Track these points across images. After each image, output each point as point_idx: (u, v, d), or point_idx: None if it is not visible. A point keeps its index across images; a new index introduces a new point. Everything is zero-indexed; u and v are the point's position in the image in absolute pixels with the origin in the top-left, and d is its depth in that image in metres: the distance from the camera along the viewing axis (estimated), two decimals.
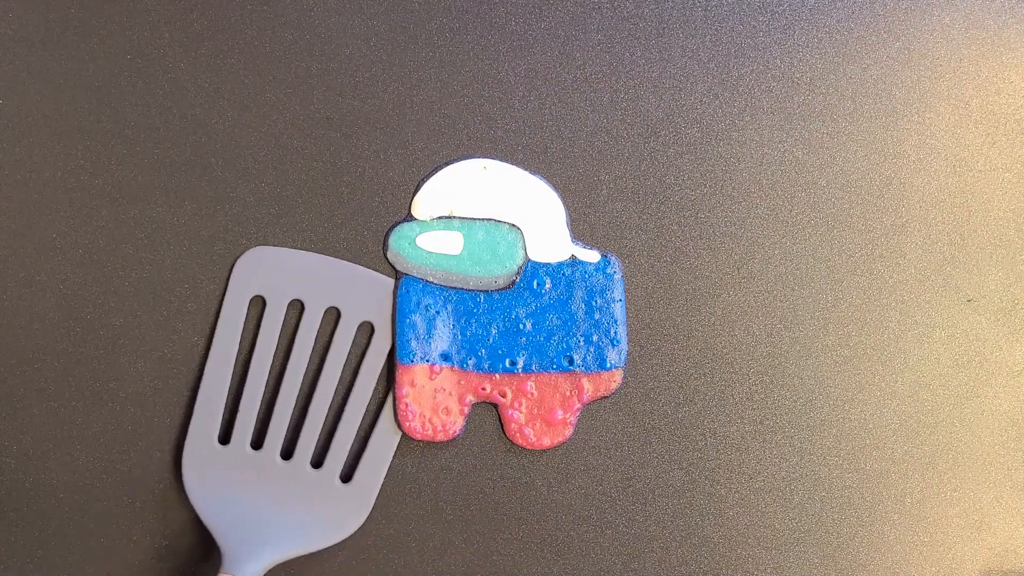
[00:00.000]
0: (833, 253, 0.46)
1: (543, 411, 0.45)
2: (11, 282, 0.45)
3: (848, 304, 0.46)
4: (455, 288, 0.45)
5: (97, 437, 0.45)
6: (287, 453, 0.45)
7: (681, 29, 0.47)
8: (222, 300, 0.45)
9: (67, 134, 0.46)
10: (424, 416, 0.45)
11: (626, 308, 0.45)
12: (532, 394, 0.45)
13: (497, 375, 0.45)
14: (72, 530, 0.45)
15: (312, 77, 0.46)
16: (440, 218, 0.46)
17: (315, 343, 0.45)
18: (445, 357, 0.45)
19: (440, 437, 0.45)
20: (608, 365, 0.45)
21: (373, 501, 0.44)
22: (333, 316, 0.45)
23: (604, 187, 0.46)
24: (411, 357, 0.45)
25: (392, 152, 0.46)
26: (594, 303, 0.45)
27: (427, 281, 0.45)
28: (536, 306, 0.45)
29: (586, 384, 0.45)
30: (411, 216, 0.46)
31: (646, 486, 0.45)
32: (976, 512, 0.45)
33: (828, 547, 0.45)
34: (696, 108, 0.46)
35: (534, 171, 0.46)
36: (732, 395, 0.45)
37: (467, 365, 0.45)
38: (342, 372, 0.45)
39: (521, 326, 0.45)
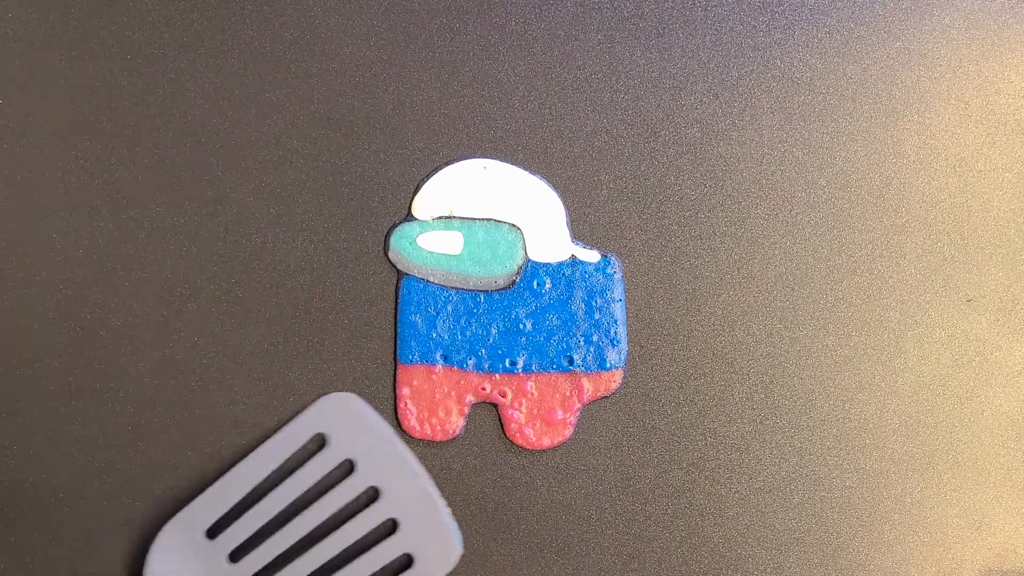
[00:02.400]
0: (833, 253, 0.46)
1: (543, 411, 0.45)
2: (11, 282, 0.45)
3: (848, 304, 0.46)
4: (455, 288, 0.45)
5: (97, 437, 0.45)
6: None
7: (681, 29, 0.47)
8: (291, 420, 0.45)
9: (67, 134, 0.46)
10: (424, 416, 0.45)
11: (626, 308, 0.45)
12: (532, 394, 0.45)
13: (497, 375, 0.45)
14: (71, 530, 0.44)
15: (312, 77, 0.46)
16: (440, 218, 0.46)
17: (344, 506, 0.44)
18: (445, 357, 0.45)
19: (440, 437, 0.45)
20: (608, 365, 0.45)
21: None
22: (373, 493, 0.44)
23: (604, 187, 0.46)
24: (411, 357, 0.45)
25: (392, 152, 0.46)
26: (594, 303, 0.45)
27: (427, 281, 0.45)
28: (536, 306, 0.45)
29: (586, 384, 0.45)
30: (411, 216, 0.46)
31: (646, 486, 0.45)
32: (976, 512, 0.45)
33: (828, 547, 0.45)
34: (696, 108, 0.46)
35: (534, 171, 0.46)
36: (732, 395, 0.45)
37: (467, 365, 0.45)
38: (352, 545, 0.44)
39: (521, 326, 0.45)
